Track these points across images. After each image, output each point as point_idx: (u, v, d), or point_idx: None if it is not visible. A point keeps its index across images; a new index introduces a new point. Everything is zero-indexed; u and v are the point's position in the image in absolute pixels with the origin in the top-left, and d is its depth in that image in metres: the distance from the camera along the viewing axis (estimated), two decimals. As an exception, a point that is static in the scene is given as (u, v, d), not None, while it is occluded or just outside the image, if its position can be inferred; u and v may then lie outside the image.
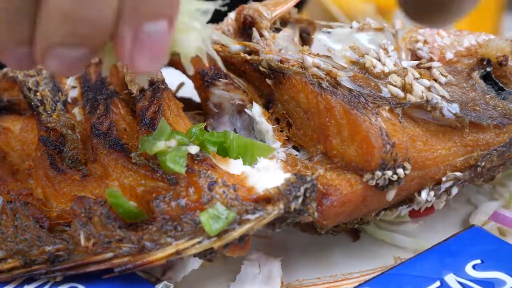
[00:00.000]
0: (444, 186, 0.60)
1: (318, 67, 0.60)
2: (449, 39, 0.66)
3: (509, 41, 0.64)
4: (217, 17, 0.54)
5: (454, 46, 0.65)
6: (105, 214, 0.53)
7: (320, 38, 0.65)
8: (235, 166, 0.55)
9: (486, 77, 0.63)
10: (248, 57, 0.63)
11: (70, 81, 0.67)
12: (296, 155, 0.60)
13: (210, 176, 0.53)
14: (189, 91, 0.71)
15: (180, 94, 0.73)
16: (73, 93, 0.66)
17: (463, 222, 0.69)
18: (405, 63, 0.62)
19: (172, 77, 0.67)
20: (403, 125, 0.57)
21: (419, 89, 0.59)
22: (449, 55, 0.64)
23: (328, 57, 0.62)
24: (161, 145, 0.53)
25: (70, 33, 0.43)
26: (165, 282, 0.56)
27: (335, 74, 0.59)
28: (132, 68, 0.46)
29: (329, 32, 0.66)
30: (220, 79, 0.63)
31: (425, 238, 0.65)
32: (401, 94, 0.59)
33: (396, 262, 0.62)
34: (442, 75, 0.61)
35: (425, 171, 0.58)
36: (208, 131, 0.59)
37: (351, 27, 0.66)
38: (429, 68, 0.62)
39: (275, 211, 0.52)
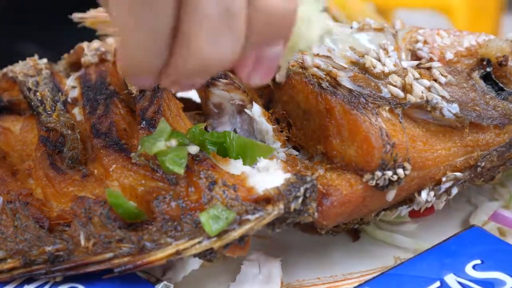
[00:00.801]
0: (444, 186, 0.59)
1: (318, 67, 0.60)
2: (449, 39, 0.65)
3: (509, 41, 0.64)
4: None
5: (454, 46, 0.65)
6: (105, 214, 0.53)
7: (320, 38, 0.65)
8: (235, 166, 0.55)
9: (486, 77, 0.63)
10: (248, 57, 0.63)
11: (70, 81, 0.67)
12: (296, 155, 0.60)
13: (210, 176, 0.53)
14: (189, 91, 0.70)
15: (180, 94, 0.73)
16: (73, 93, 0.66)
17: (463, 222, 0.69)
18: (405, 63, 0.62)
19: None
20: (403, 126, 0.57)
21: (419, 89, 0.59)
22: (449, 55, 0.64)
23: (328, 57, 0.62)
24: (161, 145, 0.53)
25: (200, 70, 0.46)
26: (165, 282, 0.56)
27: (335, 74, 0.59)
28: (246, 82, 0.49)
29: (329, 32, 0.66)
30: (220, 79, 0.63)
31: (425, 238, 0.65)
32: (401, 94, 0.59)
33: (396, 262, 0.62)
34: (442, 75, 0.61)
35: (425, 171, 0.58)
36: (208, 131, 0.59)
37: (351, 27, 0.66)
38: (429, 68, 0.62)
39: (275, 211, 0.52)
